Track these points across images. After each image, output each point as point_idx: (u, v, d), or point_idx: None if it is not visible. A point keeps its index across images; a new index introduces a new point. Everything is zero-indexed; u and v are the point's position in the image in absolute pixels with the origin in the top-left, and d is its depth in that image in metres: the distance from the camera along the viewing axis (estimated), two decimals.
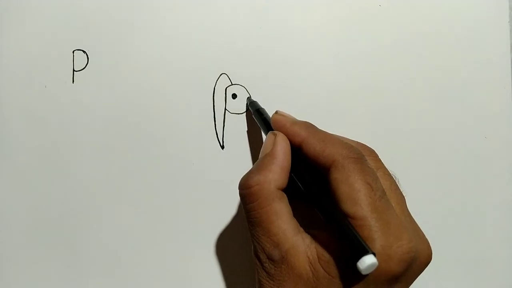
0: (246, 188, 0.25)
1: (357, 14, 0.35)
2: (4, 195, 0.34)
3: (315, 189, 0.25)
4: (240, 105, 0.35)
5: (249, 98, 0.34)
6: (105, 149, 0.34)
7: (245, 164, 0.34)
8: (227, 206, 0.34)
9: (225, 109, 0.35)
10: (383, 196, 0.24)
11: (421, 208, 0.35)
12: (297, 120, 0.27)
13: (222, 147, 0.34)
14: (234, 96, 0.35)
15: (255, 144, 0.34)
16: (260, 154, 0.27)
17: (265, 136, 0.31)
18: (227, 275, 0.34)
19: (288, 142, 0.26)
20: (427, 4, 0.36)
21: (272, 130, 0.28)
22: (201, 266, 0.34)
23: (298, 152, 0.26)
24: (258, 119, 0.31)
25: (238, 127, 0.34)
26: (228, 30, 0.35)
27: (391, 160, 0.35)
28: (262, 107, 0.32)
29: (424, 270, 0.36)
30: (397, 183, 0.26)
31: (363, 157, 0.25)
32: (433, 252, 0.36)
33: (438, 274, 0.35)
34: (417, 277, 0.25)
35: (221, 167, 0.34)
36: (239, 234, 0.34)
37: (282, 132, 0.27)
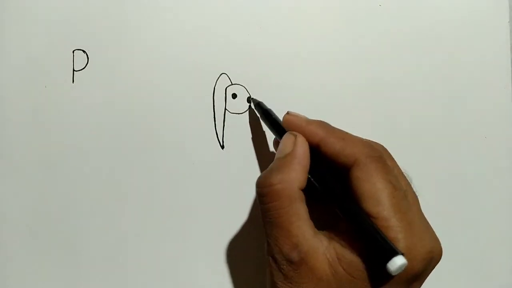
0: (266, 186, 0.24)
1: (357, 13, 0.35)
2: (4, 195, 0.34)
3: (337, 189, 0.24)
4: (240, 105, 0.35)
5: (253, 99, 0.34)
6: (105, 149, 0.34)
7: (245, 164, 0.34)
8: (228, 206, 0.34)
9: (225, 109, 0.35)
10: (406, 196, 0.24)
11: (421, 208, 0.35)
12: (311, 119, 0.27)
13: (222, 147, 0.34)
14: (234, 96, 0.35)
15: (255, 144, 0.34)
16: (277, 154, 0.26)
17: (272, 137, 0.31)
18: (227, 274, 0.34)
19: (307, 143, 0.26)
20: (427, 4, 0.36)
21: (284, 130, 0.28)
22: (201, 265, 0.34)
23: (314, 152, 0.26)
24: (266, 120, 0.31)
25: (238, 127, 0.34)
26: (228, 30, 0.35)
27: None
28: (268, 107, 0.32)
29: None
30: (410, 182, 0.26)
31: (383, 156, 0.25)
32: None
33: (438, 274, 0.35)
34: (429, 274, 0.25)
35: (221, 167, 0.34)
36: (239, 234, 0.34)
37: (298, 132, 0.26)
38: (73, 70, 0.34)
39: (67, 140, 0.34)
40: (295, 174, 0.24)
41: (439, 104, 0.36)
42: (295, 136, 0.26)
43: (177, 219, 0.34)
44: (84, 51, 0.34)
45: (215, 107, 0.35)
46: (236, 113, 0.35)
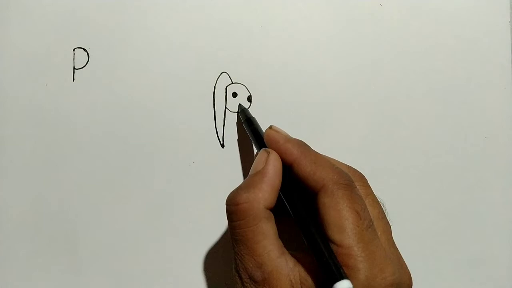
0: (234, 204, 0.25)
1: (358, 13, 0.35)
2: (4, 194, 0.34)
3: (301, 211, 0.24)
4: (240, 104, 0.35)
5: (240, 105, 0.34)
6: (105, 147, 0.34)
7: (245, 163, 0.34)
8: None
9: (226, 107, 0.35)
10: (370, 225, 0.24)
11: (421, 208, 0.35)
12: (291, 137, 0.27)
13: (222, 145, 0.34)
14: (234, 94, 0.35)
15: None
16: (250, 171, 0.27)
17: (254, 146, 0.31)
18: (226, 274, 0.34)
19: (280, 161, 0.26)
20: (428, 4, 0.36)
21: (263, 143, 0.28)
22: (200, 265, 0.34)
23: (288, 170, 0.26)
24: (248, 129, 0.31)
25: (238, 125, 0.34)
26: (229, 29, 0.35)
27: (392, 159, 0.35)
28: (253, 116, 0.32)
29: (425, 270, 0.36)
30: (384, 211, 0.26)
31: (353, 183, 0.25)
32: (432, 253, 0.36)
33: (438, 274, 0.35)
34: None
35: (221, 166, 0.34)
36: None
37: (275, 148, 0.26)
38: (74, 68, 0.34)
39: (67, 138, 0.34)
40: (262, 194, 0.25)
41: (440, 104, 0.36)
42: (268, 153, 0.26)
43: (177, 218, 0.34)
44: (84, 49, 0.35)
45: (215, 106, 0.35)
46: (236, 112, 0.35)
